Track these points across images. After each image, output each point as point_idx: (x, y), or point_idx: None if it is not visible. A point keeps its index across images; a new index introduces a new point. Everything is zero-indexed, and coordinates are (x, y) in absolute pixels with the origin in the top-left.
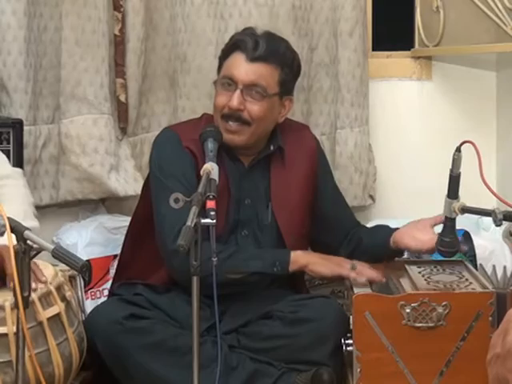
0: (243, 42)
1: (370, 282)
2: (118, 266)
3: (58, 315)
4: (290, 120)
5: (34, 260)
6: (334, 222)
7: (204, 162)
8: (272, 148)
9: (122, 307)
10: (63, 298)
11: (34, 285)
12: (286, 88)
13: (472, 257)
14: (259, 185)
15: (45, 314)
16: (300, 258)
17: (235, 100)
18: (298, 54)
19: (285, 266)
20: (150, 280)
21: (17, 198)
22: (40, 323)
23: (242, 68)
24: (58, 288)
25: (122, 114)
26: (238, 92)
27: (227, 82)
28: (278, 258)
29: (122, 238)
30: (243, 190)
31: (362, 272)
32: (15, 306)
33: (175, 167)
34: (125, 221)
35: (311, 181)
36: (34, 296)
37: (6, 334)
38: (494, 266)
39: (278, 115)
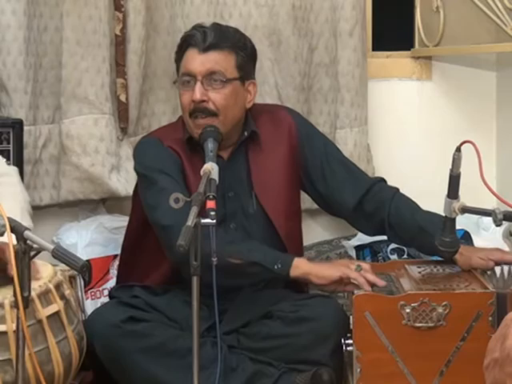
0: (192, 37)
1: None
2: (118, 273)
3: (57, 313)
4: (262, 104)
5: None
6: (334, 194)
7: (186, 159)
8: (246, 134)
9: (120, 310)
10: (62, 297)
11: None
12: (246, 72)
13: None
14: (241, 175)
15: (44, 312)
16: (303, 265)
17: (197, 92)
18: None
19: (286, 267)
20: (148, 282)
21: (14, 196)
22: (39, 321)
23: (197, 60)
24: (57, 286)
25: (122, 114)
26: (198, 84)
27: (186, 80)
28: (280, 257)
29: (122, 238)
30: (225, 183)
31: (366, 275)
32: (15, 305)
33: (161, 164)
34: (125, 221)
35: (293, 158)
36: (33, 294)
37: (5, 332)
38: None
39: (245, 101)
